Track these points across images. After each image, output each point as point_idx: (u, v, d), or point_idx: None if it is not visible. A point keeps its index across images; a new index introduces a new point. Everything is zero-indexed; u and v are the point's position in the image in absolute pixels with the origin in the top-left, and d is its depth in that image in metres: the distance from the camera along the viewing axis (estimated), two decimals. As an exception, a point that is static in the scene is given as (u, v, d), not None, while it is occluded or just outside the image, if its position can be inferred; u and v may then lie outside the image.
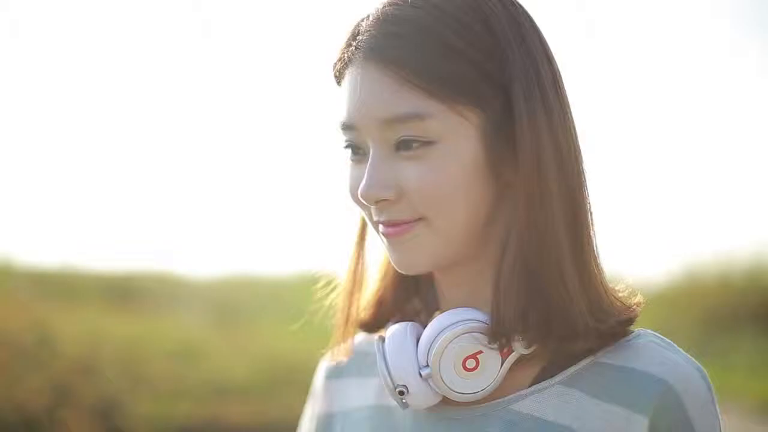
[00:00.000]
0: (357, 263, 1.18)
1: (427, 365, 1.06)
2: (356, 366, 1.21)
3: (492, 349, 1.05)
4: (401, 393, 1.07)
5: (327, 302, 1.20)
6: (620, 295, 1.09)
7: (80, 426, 5.58)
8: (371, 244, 1.17)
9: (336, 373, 1.23)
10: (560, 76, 1.09)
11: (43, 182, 12.44)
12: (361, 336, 1.22)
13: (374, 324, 1.18)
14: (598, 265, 1.08)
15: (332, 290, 1.20)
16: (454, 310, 1.08)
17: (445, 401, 1.09)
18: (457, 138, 1.03)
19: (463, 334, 1.05)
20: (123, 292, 9.97)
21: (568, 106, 1.08)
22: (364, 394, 1.19)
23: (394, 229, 1.05)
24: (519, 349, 1.05)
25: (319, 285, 1.21)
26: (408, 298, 1.18)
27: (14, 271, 9.38)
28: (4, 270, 9.21)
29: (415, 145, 1.03)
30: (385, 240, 1.08)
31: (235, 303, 10.41)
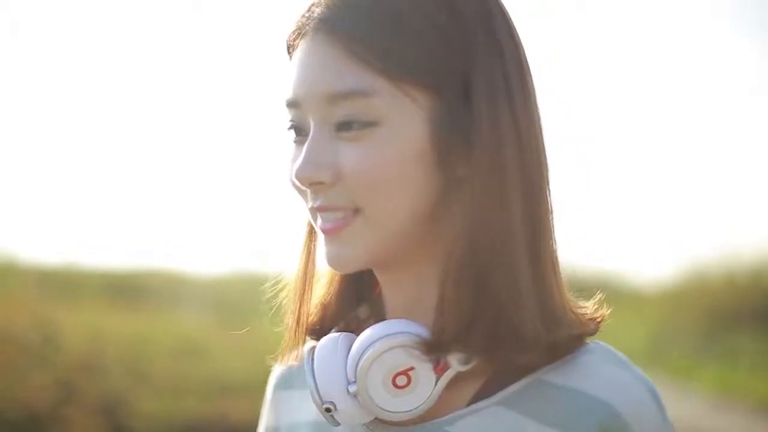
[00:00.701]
0: (307, 262, 1.08)
1: (356, 381, 0.98)
2: (303, 376, 1.07)
3: (425, 365, 0.97)
4: (328, 410, 0.99)
5: (277, 302, 1.10)
6: (580, 309, 1.01)
7: (84, 423, 5.59)
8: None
9: (284, 384, 1.15)
10: (528, 65, 1.01)
11: (46, 181, 12.44)
12: (311, 342, 1.09)
13: (320, 332, 1.07)
14: (556, 271, 1.00)
15: (281, 290, 1.10)
16: (387, 321, 1.00)
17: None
18: (403, 120, 0.95)
19: (392, 348, 0.97)
20: (127, 290, 9.99)
21: (534, 98, 1.01)
22: (307, 407, 1.08)
23: (332, 225, 0.98)
24: (455, 365, 0.97)
25: (268, 284, 1.11)
26: (353, 306, 1.08)
27: (18, 270, 9.40)
28: (8, 268, 9.23)
29: (356, 125, 0.95)
30: (320, 234, 1.00)
31: (238, 300, 10.42)
